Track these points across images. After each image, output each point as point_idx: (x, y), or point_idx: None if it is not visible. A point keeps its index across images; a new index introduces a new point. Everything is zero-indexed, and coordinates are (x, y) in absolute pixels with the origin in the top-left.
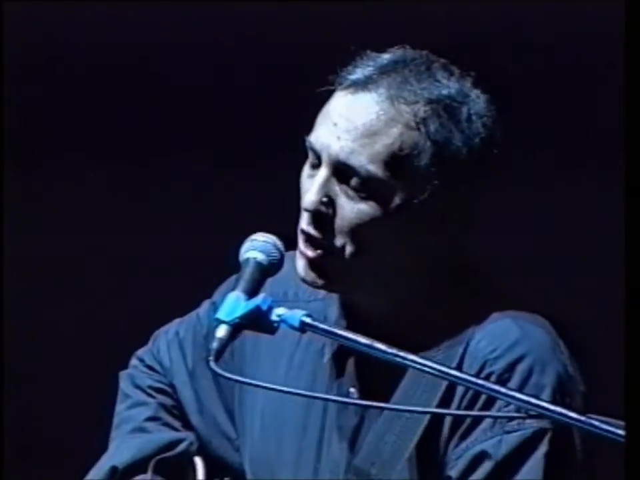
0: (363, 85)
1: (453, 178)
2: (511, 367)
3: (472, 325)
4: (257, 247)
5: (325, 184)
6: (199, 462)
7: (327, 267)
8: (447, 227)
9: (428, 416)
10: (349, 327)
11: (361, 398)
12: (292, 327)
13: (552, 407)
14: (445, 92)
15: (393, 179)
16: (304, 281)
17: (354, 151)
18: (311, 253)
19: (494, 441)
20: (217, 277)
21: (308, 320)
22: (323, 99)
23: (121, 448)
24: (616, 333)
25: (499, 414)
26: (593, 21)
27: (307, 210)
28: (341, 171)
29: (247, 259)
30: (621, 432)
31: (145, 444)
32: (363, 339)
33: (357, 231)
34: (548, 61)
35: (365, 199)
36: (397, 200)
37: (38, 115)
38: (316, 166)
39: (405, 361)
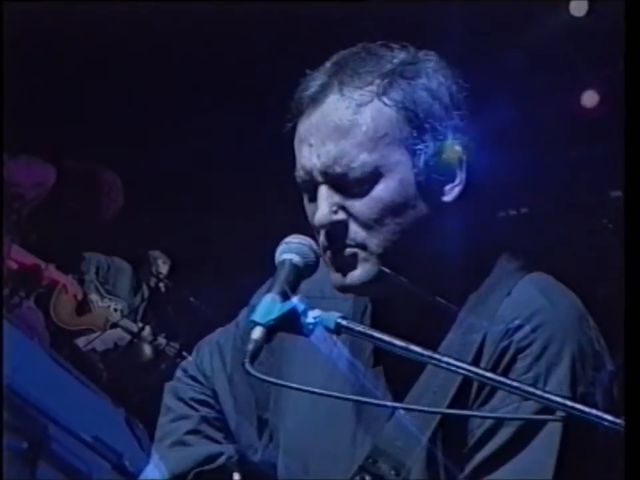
0: (320, 93)
1: (440, 136)
2: (530, 335)
3: (499, 296)
4: (292, 249)
5: (329, 197)
6: (236, 477)
7: (356, 266)
8: (452, 192)
9: (454, 388)
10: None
11: (387, 381)
12: (327, 329)
13: (574, 405)
14: (394, 61)
15: (384, 160)
16: (341, 289)
17: (336, 156)
18: (338, 258)
19: (511, 408)
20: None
21: (343, 322)
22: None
23: (160, 462)
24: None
25: (518, 416)
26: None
27: (322, 226)
28: (337, 180)
29: (283, 261)
30: None
31: (184, 458)
32: (398, 342)
33: (378, 221)
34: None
35: (369, 190)
36: (396, 179)
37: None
38: (313, 198)
39: (440, 363)
